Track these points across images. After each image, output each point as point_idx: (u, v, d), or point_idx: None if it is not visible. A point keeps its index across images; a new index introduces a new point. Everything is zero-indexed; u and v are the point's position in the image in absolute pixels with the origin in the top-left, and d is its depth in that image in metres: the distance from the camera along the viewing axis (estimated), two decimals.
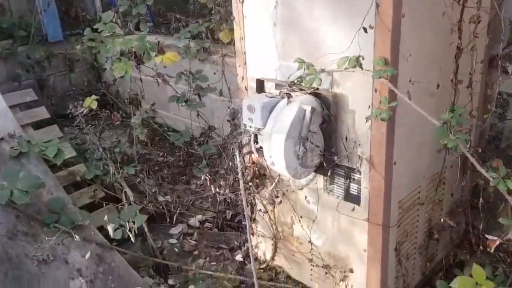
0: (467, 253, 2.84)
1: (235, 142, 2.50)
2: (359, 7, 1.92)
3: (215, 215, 3.33)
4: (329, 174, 2.26)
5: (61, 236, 2.56)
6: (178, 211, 3.25)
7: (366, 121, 2.03)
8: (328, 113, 2.14)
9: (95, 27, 3.62)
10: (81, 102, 3.23)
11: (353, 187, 2.29)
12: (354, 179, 2.27)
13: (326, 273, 2.58)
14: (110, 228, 2.49)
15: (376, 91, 1.99)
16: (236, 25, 2.48)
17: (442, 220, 2.66)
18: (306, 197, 2.53)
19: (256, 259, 3.01)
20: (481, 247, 2.86)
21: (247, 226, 2.17)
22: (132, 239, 2.56)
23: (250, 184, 2.40)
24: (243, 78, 2.56)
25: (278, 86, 2.33)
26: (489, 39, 2.46)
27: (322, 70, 2.14)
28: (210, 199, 3.60)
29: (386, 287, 2.43)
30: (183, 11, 5.33)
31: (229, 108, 3.48)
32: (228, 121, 4.02)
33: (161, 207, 3.29)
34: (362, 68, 1.99)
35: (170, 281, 2.87)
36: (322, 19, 2.10)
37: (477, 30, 2.24)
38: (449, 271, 2.78)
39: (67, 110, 3.36)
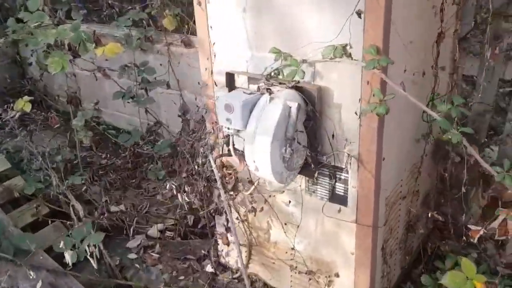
0: (445, 244, 2.78)
1: (204, 145, 2.23)
2: None
3: (176, 222, 3.04)
4: (317, 175, 2.05)
5: (4, 266, 2.17)
6: (135, 221, 2.91)
7: (360, 116, 1.85)
8: (313, 109, 1.93)
9: (19, 16, 3.14)
10: (11, 104, 2.77)
11: (340, 187, 2.11)
12: (340, 178, 2.08)
13: (310, 279, 2.40)
14: (68, 256, 2.13)
15: (368, 83, 1.79)
16: (198, 11, 2.18)
17: (422, 211, 2.58)
18: (285, 199, 2.32)
19: (227, 268, 2.78)
20: (452, 235, 2.84)
21: (235, 239, 1.92)
22: (94, 265, 2.22)
23: (232, 193, 2.14)
24: (209, 71, 2.27)
25: (251, 80, 2.08)
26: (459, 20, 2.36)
27: (303, 61, 1.92)
28: (167, 204, 3.29)
29: None
30: None
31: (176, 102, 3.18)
32: (179, 116, 3.73)
33: (114, 218, 2.94)
34: (351, 58, 1.78)
35: None
36: (301, 3, 1.86)
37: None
38: (428, 263, 2.71)
39: None
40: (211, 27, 2.18)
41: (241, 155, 1.97)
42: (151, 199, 3.46)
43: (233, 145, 2.09)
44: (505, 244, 2.85)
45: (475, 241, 2.35)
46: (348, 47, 1.79)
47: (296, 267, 2.44)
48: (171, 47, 3.80)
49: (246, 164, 1.94)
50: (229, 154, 2.17)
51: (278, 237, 2.47)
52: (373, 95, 1.77)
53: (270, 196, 2.29)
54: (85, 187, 3.17)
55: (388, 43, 1.76)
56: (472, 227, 2.35)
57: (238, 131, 1.92)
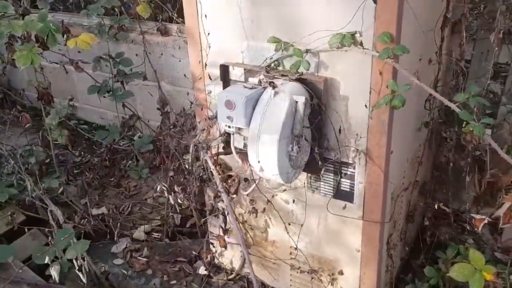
0: (442, 231, 2.73)
1: (198, 143, 2.07)
2: None
3: (163, 222, 2.87)
4: (324, 172, 1.93)
5: None
6: (119, 224, 2.73)
7: (372, 110, 1.73)
8: (319, 102, 1.80)
9: None
10: None
11: (345, 183, 1.99)
12: (346, 174, 1.97)
13: (312, 278, 2.30)
14: (54, 273, 1.94)
15: (380, 73, 1.67)
16: None
17: (419, 200, 2.51)
18: (284, 197, 2.19)
19: (221, 269, 2.64)
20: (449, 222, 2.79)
21: (242, 245, 1.78)
22: (84, 279, 2.04)
23: (233, 195, 1.99)
24: (200, 63, 2.09)
25: (249, 72, 1.92)
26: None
27: (307, 51, 1.78)
28: (151, 204, 3.12)
29: (380, 285, 2.22)
30: None
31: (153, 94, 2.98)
32: (158, 109, 3.53)
33: (96, 222, 2.74)
34: (362, 47, 1.66)
35: None
36: None
37: None
38: (427, 253, 2.65)
39: None
40: (200, 15, 2.01)
41: (243, 154, 1.82)
42: (132, 197, 3.27)
43: (226, 143, 1.95)
44: (501, 229, 2.83)
45: (479, 230, 2.31)
46: (357, 35, 1.66)
47: (298, 266, 2.33)
48: (146, 36, 3.57)
49: (250, 165, 1.79)
50: (226, 153, 2.02)
51: (276, 235, 2.35)
52: (386, 87, 1.65)
53: (273, 196, 2.15)
54: (61, 189, 2.94)
55: (401, 29, 1.64)
56: (477, 216, 2.30)
57: (240, 129, 1.77)
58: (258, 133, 1.68)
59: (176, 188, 2.34)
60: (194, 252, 2.70)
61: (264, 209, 2.19)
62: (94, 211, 2.83)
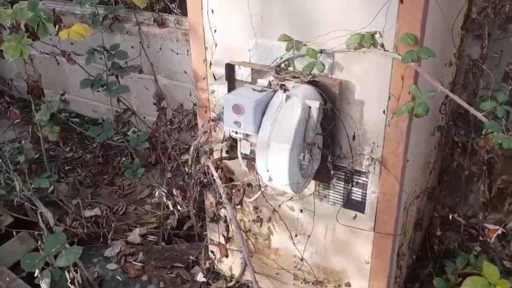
0: (452, 239, 2.63)
1: (200, 146, 1.93)
2: None
3: (159, 225, 2.74)
4: (334, 180, 1.81)
5: None
6: (113, 227, 2.59)
7: (392, 116, 1.60)
8: (333, 107, 1.67)
9: None
10: None
11: (357, 192, 1.87)
12: (358, 183, 1.85)
13: None
14: (45, 286, 1.80)
15: (402, 78, 1.54)
16: None
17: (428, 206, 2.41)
18: (290, 204, 2.07)
19: (220, 276, 2.52)
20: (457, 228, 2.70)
21: (245, 255, 1.66)
22: None
23: (237, 205, 1.86)
24: (204, 61, 1.95)
25: (256, 72, 1.79)
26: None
27: (321, 51, 1.64)
28: (146, 204, 2.98)
29: None
30: None
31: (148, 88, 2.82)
32: (154, 104, 3.38)
33: (89, 224, 2.60)
34: (383, 49, 1.52)
35: None
36: None
37: None
38: (435, 261, 2.55)
39: None
40: (204, 9, 1.86)
41: (250, 161, 1.69)
42: (127, 197, 3.13)
43: (232, 148, 1.82)
44: (509, 236, 2.74)
45: (492, 240, 2.21)
46: (377, 36, 1.53)
47: (303, 277, 2.21)
48: (142, 27, 3.41)
49: (257, 173, 1.66)
50: (230, 158, 1.89)
51: (280, 243, 2.23)
52: (409, 93, 1.52)
53: (279, 206, 2.03)
54: (51, 188, 2.79)
55: (425, 30, 1.51)
56: (490, 226, 2.20)
57: (247, 135, 1.64)
58: (268, 140, 1.55)
59: (175, 192, 2.20)
60: (191, 257, 2.58)
61: (270, 218, 2.07)
62: (87, 213, 2.69)
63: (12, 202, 2.53)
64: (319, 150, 1.70)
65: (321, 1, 1.60)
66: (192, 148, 2.01)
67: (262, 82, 1.69)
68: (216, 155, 1.98)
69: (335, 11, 1.58)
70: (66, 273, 1.93)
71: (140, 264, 2.55)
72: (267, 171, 1.59)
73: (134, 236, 2.71)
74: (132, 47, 3.38)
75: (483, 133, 2.21)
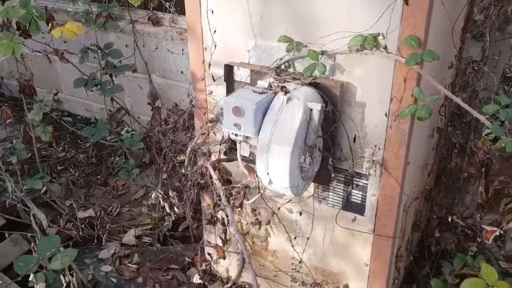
0: (449, 240, 2.62)
1: (198, 148, 1.90)
2: None
3: (154, 226, 2.70)
4: (334, 183, 1.79)
5: None
6: (107, 228, 2.55)
7: (394, 119, 1.58)
8: (334, 109, 1.65)
9: None
10: None
11: (356, 195, 1.86)
12: (358, 185, 1.83)
13: None
14: None
15: (405, 80, 1.52)
16: None
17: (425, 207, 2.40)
18: (288, 206, 2.05)
19: (216, 278, 2.50)
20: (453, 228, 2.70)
21: (247, 259, 1.63)
22: None
23: (237, 208, 1.83)
24: (203, 62, 1.91)
25: (256, 73, 1.76)
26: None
27: (322, 53, 1.62)
28: (140, 205, 2.94)
29: None
30: None
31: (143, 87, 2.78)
32: (149, 103, 3.34)
33: (83, 225, 2.56)
34: (386, 51, 1.50)
35: None
36: None
37: None
38: (433, 262, 2.55)
39: None
40: (203, 9, 1.83)
41: (249, 164, 1.66)
42: (121, 197, 3.09)
43: (231, 150, 1.80)
44: (505, 237, 2.74)
45: (489, 241, 2.21)
46: (380, 38, 1.51)
47: (301, 279, 2.19)
48: (136, 26, 3.36)
49: (257, 176, 1.63)
50: (229, 160, 1.87)
51: (277, 245, 2.21)
52: (411, 95, 1.51)
53: (279, 208, 2.00)
54: (44, 188, 2.75)
55: (428, 33, 1.49)
56: (488, 228, 2.21)
57: (247, 137, 1.61)
58: (269, 143, 1.53)
59: (171, 194, 2.17)
60: (187, 259, 2.54)
61: (269, 221, 2.05)
62: (81, 214, 2.64)
63: (4, 203, 2.48)
64: (319, 152, 1.68)
65: (323, 2, 1.57)
66: (189, 149, 1.99)
67: (262, 83, 1.67)
68: (214, 157, 1.95)
69: (337, 12, 1.56)
70: (62, 277, 1.89)
71: (135, 266, 2.52)
72: (267, 174, 1.57)
73: (129, 237, 2.67)
74: (126, 46, 3.34)
75: (482, 134, 2.21)
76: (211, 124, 1.90)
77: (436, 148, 2.46)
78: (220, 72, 1.85)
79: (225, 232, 2.07)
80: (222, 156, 1.90)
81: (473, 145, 2.42)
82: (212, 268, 2.49)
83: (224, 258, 2.10)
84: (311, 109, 1.55)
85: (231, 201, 1.73)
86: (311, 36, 1.64)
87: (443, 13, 1.64)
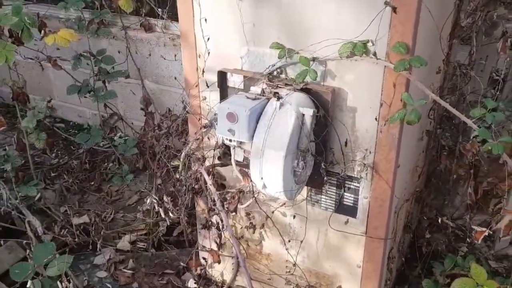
0: (440, 240, 2.67)
1: (192, 153, 1.93)
2: None
3: (148, 231, 2.72)
4: (327, 186, 1.82)
5: None
6: (102, 233, 2.57)
7: (384, 123, 1.62)
8: (326, 114, 1.68)
9: None
10: None
11: (348, 198, 1.89)
12: (349, 188, 1.87)
13: None
14: None
15: (394, 85, 1.56)
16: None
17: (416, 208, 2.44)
18: (282, 209, 2.08)
19: (211, 282, 2.52)
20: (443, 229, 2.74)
21: (243, 266, 1.66)
22: None
23: (232, 213, 1.86)
24: (196, 68, 1.94)
25: (249, 79, 1.79)
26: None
27: (313, 59, 1.66)
28: (135, 210, 2.96)
29: None
30: None
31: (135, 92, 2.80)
32: (142, 109, 3.36)
33: (77, 232, 2.57)
34: (376, 57, 1.55)
35: None
36: None
37: None
38: (424, 262, 2.59)
39: None
40: (196, 17, 1.86)
41: (243, 169, 1.69)
42: (115, 203, 3.10)
43: (224, 155, 1.83)
44: (494, 237, 2.79)
45: (479, 241, 2.25)
46: (370, 44, 1.55)
47: (295, 282, 2.22)
48: (129, 32, 3.38)
49: (251, 180, 1.67)
50: (223, 165, 1.89)
51: (271, 248, 2.24)
52: (401, 100, 1.55)
53: (273, 212, 2.03)
54: (39, 195, 2.76)
55: (416, 39, 1.53)
56: (477, 228, 2.25)
57: (241, 143, 1.64)
58: (262, 148, 1.56)
59: (165, 199, 2.19)
60: (182, 264, 2.56)
61: (263, 225, 2.08)
62: (75, 220, 2.65)
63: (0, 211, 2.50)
64: (312, 156, 1.71)
65: (314, 10, 1.61)
66: (183, 154, 2.01)
67: (255, 89, 1.70)
68: (208, 162, 1.98)
69: (328, 19, 1.60)
70: (59, 283, 1.91)
71: (130, 271, 2.53)
72: (261, 178, 1.60)
73: (124, 243, 2.69)
74: (119, 52, 3.36)
75: (470, 137, 2.26)
76: (205, 130, 1.93)
77: (426, 150, 2.51)
78: (214, 78, 1.88)
79: (219, 236, 2.10)
80: (216, 161, 1.93)
81: (461, 148, 2.46)
82: (207, 273, 2.51)
83: (219, 262, 2.13)
84: (303, 114, 1.58)
85: (226, 206, 1.76)
86: (303, 43, 1.67)
87: (430, 20, 1.68)
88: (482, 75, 2.63)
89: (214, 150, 1.83)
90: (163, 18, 3.24)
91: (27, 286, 1.88)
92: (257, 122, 1.59)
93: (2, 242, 2.37)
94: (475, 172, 2.62)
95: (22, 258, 2.36)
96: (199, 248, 2.40)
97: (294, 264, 2.11)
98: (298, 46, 1.69)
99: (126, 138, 3.30)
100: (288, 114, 1.56)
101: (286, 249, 2.09)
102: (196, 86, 1.97)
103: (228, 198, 1.80)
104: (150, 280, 2.51)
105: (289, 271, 2.22)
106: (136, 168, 3.35)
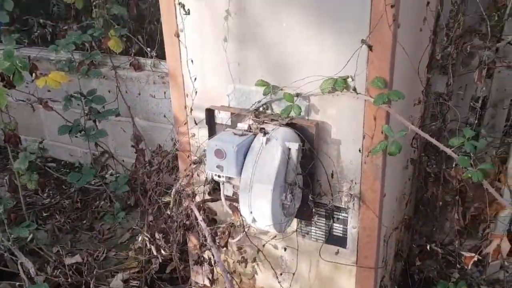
0: (431, 267, 2.69)
1: (183, 190, 1.96)
2: (347, 15, 1.55)
3: (141, 269, 2.71)
4: (316, 217, 1.86)
5: None
6: (95, 273, 2.56)
7: (368, 154, 1.67)
8: (311, 147, 1.74)
9: None
10: None
11: (338, 228, 1.93)
12: (338, 218, 1.91)
13: None
14: None
15: (374, 118, 1.63)
16: (170, 42, 1.91)
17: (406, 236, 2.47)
18: (273, 242, 2.10)
19: None
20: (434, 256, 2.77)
21: None
22: None
23: (223, 248, 1.88)
24: (184, 106, 2.00)
25: (236, 116, 1.85)
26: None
27: (297, 95, 1.72)
28: (127, 249, 2.96)
29: None
30: (40, 14, 4.43)
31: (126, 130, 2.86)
32: (133, 146, 3.40)
33: (70, 272, 2.56)
34: (356, 92, 1.61)
35: None
36: (293, 32, 1.67)
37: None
38: None
39: None
40: (183, 58, 1.93)
41: (233, 204, 1.73)
42: (107, 241, 3.10)
43: (215, 190, 1.87)
44: (485, 262, 2.82)
45: (469, 267, 2.29)
46: (349, 80, 1.62)
47: None
48: (118, 71, 3.46)
49: (241, 215, 1.70)
50: (213, 200, 1.93)
51: (264, 282, 2.25)
52: (381, 132, 1.61)
53: (263, 245, 2.06)
54: (31, 236, 2.75)
55: (393, 74, 1.61)
56: (466, 254, 2.29)
57: (230, 178, 1.68)
58: (251, 182, 1.60)
59: (157, 236, 2.21)
60: None
61: (255, 258, 2.10)
62: (68, 260, 2.65)
63: None
64: (300, 189, 1.75)
65: (295, 49, 1.68)
66: (173, 190, 2.04)
67: (242, 125, 1.75)
68: (198, 198, 2.01)
69: (309, 57, 1.67)
70: None
71: None
72: (251, 212, 1.64)
73: (117, 281, 2.67)
74: (109, 91, 3.42)
75: (454, 163, 2.32)
76: (195, 166, 1.97)
77: (412, 178, 2.56)
78: (202, 115, 1.94)
79: (212, 272, 2.11)
80: (207, 197, 1.96)
81: (446, 174, 2.53)
82: None
83: None
84: (290, 148, 1.63)
85: (217, 241, 1.78)
86: (286, 80, 1.74)
87: (407, 55, 1.76)
88: (462, 103, 2.72)
89: (204, 185, 1.86)
90: (152, 57, 3.33)
91: None
92: (244, 158, 1.64)
93: None
94: (462, 198, 2.68)
95: None
96: (192, 285, 2.40)
97: None
98: (282, 83, 1.75)
99: (117, 175, 3.33)
100: (275, 149, 1.61)
101: (279, 282, 2.10)
102: (185, 123, 2.02)
103: (219, 233, 1.83)
104: None
105: None
106: (127, 205, 3.37)
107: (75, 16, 4.24)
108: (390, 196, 2.00)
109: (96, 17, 3.57)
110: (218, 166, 1.63)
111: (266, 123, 1.74)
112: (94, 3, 3.56)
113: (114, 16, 3.69)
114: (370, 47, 1.49)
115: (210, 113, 1.90)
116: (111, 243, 3.07)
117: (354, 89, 1.61)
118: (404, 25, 1.60)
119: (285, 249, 2.07)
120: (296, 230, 2.01)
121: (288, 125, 1.74)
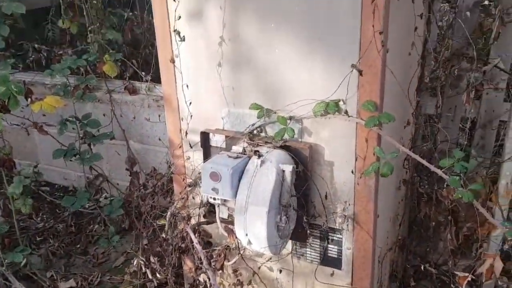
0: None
1: (178, 213, 1.97)
2: (337, 42, 1.60)
3: None
4: (310, 239, 1.88)
5: None
6: None
7: (360, 176, 1.70)
8: (305, 169, 1.76)
9: None
10: None
11: (332, 249, 1.94)
12: (333, 240, 1.92)
13: None
14: None
15: (366, 140, 1.66)
16: (166, 68, 1.95)
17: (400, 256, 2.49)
18: (268, 264, 2.11)
19: None
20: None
21: None
22: None
23: (218, 270, 1.89)
24: (179, 130, 2.03)
25: (230, 139, 1.88)
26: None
27: (290, 118, 1.76)
28: (121, 272, 2.94)
29: None
30: (35, 39, 4.48)
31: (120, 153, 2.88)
32: (127, 169, 3.41)
33: None
34: (347, 115, 1.65)
35: None
36: (286, 57, 1.71)
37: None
38: None
39: None
40: (178, 83, 1.97)
41: (228, 226, 1.74)
42: (101, 265, 3.08)
43: (210, 213, 1.88)
44: (479, 282, 2.83)
45: (463, 287, 2.29)
46: (341, 103, 1.66)
47: None
48: (113, 95, 3.49)
49: (236, 237, 1.71)
50: (208, 222, 1.94)
51: None
52: (373, 154, 1.64)
53: (259, 268, 2.06)
54: (24, 261, 2.73)
55: (383, 97, 1.65)
56: (460, 274, 2.30)
57: (225, 200, 1.70)
58: (246, 205, 1.62)
59: (152, 259, 2.20)
60: None
61: (250, 281, 2.10)
62: (62, 285, 2.63)
63: None
64: (294, 211, 1.77)
65: (288, 73, 1.73)
66: (168, 213, 2.06)
67: (237, 148, 1.78)
68: (194, 220, 2.02)
69: (302, 82, 1.71)
70: None
71: None
72: (246, 235, 1.65)
73: None
74: (104, 115, 3.44)
75: (445, 183, 2.35)
76: (190, 189, 1.99)
77: (405, 199, 2.59)
78: (197, 138, 1.97)
79: None
80: (202, 219, 1.98)
81: (438, 194, 2.56)
82: None
83: None
84: (284, 171, 1.66)
85: (213, 264, 1.79)
86: (280, 103, 1.78)
87: (396, 79, 1.81)
88: (452, 124, 2.77)
89: (199, 208, 1.88)
90: (147, 81, 3.36)
91: None
92: (239, 180, 1.66)
93: None
94: (455, 218, 2.70)
95: None
96: None
97: None
98: (275, 106, 1.79)
99: (111, 199, 3.33)
100: (269, 171, 1.64)
101: None
102: (180, 147, 2.05)
103: (214, 256, 1.84)
104: None
105: None
106: (122, 228, 3.35)
107: (70, 41, 4.29)
108: (383, 216, 2.03)
109: (91, 42, 3.63)
110: (213, 189, 1.65)
111: (260, 145, 1.77)
112: (89, 29, 3.62)
113: (109, 41, 3.75)
114: (360, 72, 1.54)
115: (205, 136, 1.93)
116: (106, 267, 3.04)
117: (346, 112, 1.65)
118: (392, 50, 1.65)
119: (280, 271, 2.08)
120: (291, 252, 2.02)
121: (282, 147, 1.77)
